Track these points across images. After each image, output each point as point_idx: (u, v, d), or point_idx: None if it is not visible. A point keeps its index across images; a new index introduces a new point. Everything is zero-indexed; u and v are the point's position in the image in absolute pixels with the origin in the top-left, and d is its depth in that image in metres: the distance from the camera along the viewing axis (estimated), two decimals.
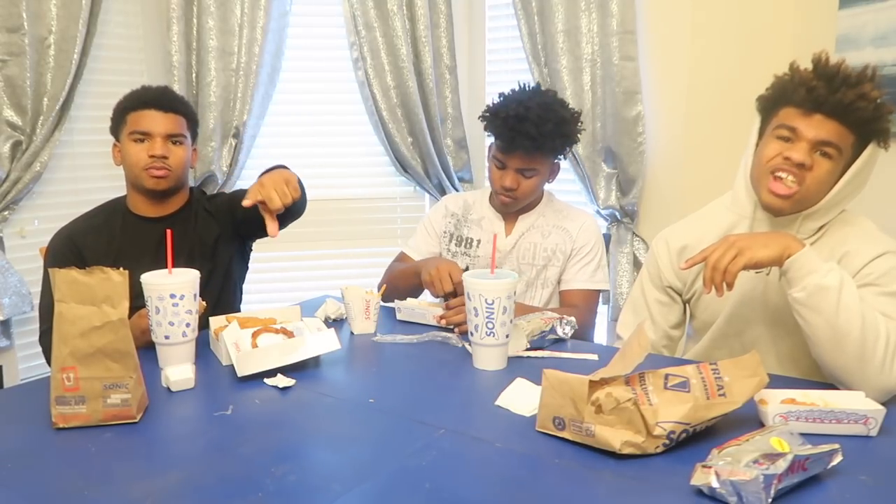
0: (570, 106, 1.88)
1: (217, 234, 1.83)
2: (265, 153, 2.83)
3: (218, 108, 2.64)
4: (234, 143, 2.68)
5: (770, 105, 1.38)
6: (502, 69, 2.84)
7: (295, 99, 2.84)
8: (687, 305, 1.58)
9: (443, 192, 2.87)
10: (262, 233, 1.73)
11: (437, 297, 1.73)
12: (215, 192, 2.67)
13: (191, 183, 2.61)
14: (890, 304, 1.25)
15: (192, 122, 1.81)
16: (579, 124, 1.86)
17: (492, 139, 1.87)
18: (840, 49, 2.13)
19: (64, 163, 2.53)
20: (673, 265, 1.53)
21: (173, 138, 1.73)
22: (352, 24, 2.70)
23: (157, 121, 1.71)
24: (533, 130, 1.73)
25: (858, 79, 1.27)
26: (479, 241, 1.96)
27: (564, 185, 2.72)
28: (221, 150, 2.69)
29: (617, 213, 2.60)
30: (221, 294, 1.82)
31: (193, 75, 2.65)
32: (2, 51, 2.27)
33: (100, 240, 1.73)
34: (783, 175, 1.30)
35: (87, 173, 2.59)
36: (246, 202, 1.47)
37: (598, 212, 2.63)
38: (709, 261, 1.25)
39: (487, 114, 1.83)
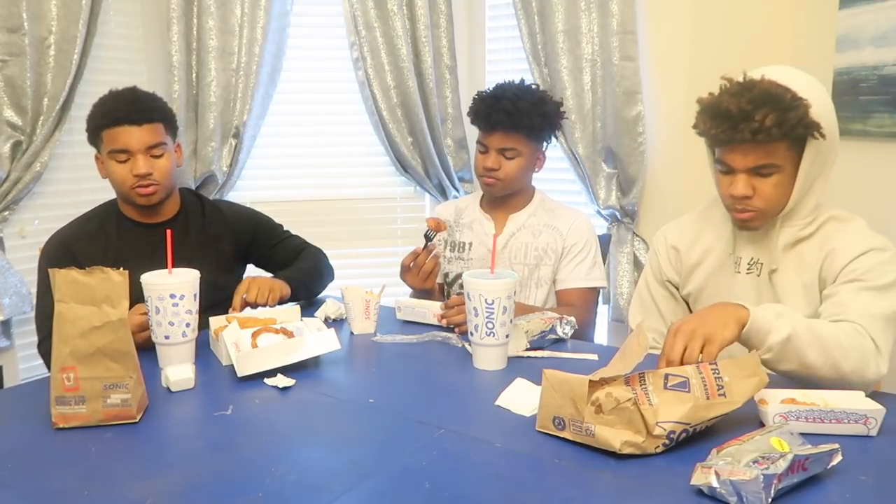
0: (552, 96, 1.94)
1: (226, 244, 1.84)
2: (265, 153, 2.83)
3: (218, 108, 2.64)
4: (234, 143, 2.68)
5: (702, 137, 1.39)
6: (502, 69, 2.84)
7: (295, 99, 2.84)
8: (688, 303, 1.59)
9: (443, 191, 2.87)
10: (265, 266, 1.90)
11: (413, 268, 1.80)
12: (218, 196, 2.67)
13: (191, 184, 2.64)
14: (873, 298, 1.26)
15: (170, 123, 1.75)
16: (562, 110, 1.92)
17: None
18: (840, 49, 2.13)
19: (64, 163, 2.52)
20: (670, 260, 1.57)
21: (153, 150, 1.67)
22: (352, 24, 2.70)
23: (133, 136, 1.64)
24: (509, 106, 1.80)
25: (759, 102, 1.24)
26: (470, 244, 1.98)
27: (564, 185, 2.72)
28: (221, 151, 2.68)
29: (617, 213, 2.60)
30: (219, 300, 1.80)
31: (193, 75, 2.64)
32: (2, 51, 2.26)
33: (95, 246, 1.71)
34: (738, 206, 1.35)
35: (87, 173, 2.56)
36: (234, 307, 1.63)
37: (598, 212, 2.63)
38: (672, 359, 1.14)
39: (471, 105, 1.91)
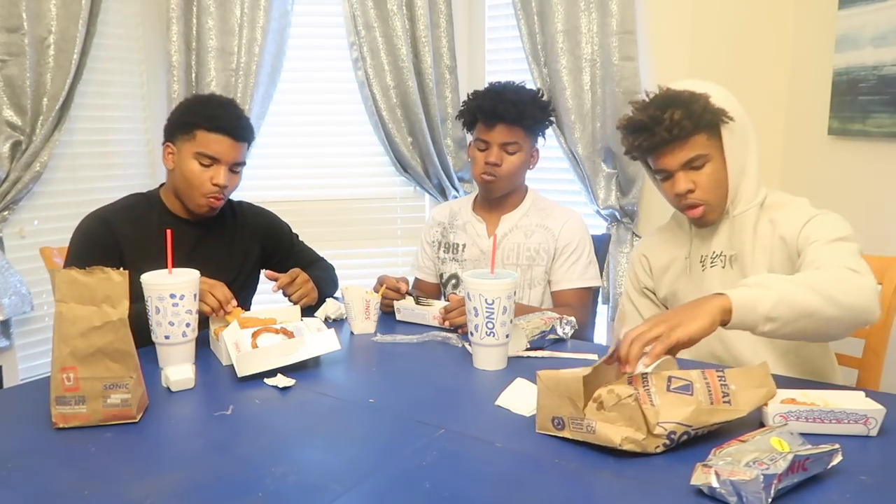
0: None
1: (254, 247, 1.86)
2: (265, 153, 2.83)
3: None
4: None
5: (638, 158, 1.51)
6: (502, 69, 2.84)
7: (295, 99, 2.84)
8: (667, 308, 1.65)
9: (443, 191, 2.87)
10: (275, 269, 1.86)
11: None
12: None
13: None
14: (836, 246, 1.32)
15: (251, 144, 1.80)
16: (551, 108, 1.96)
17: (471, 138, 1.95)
18: (839, 49, 2.13)
19: (64, 163, 2.52)
20: (643, 268, 1.65)
21: (236, 167, 1.71)
22: (352, 24, 2.70)
23: (227, 149, 1.67)
24: (514, 98, 1.85)
25: (664, 105, 1.39)
26: (464, 245, 1.98)
27: (564, 185, 2.72)
28: None
29: (617, 213, 2.60)
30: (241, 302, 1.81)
31: (193, 75, 2.64)
32: (2, 51, 2.26)
33: (136, 234, 1.68)
34: (686, 203, 1.45)
35: (86, 173, 2.59)
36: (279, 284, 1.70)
37: (597, 212, 2.63)
38: (626, 336, 1.12)
39: (463, 107, 1.93)
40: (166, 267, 1.40)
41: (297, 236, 2.02)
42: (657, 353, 1.09)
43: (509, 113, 1.82)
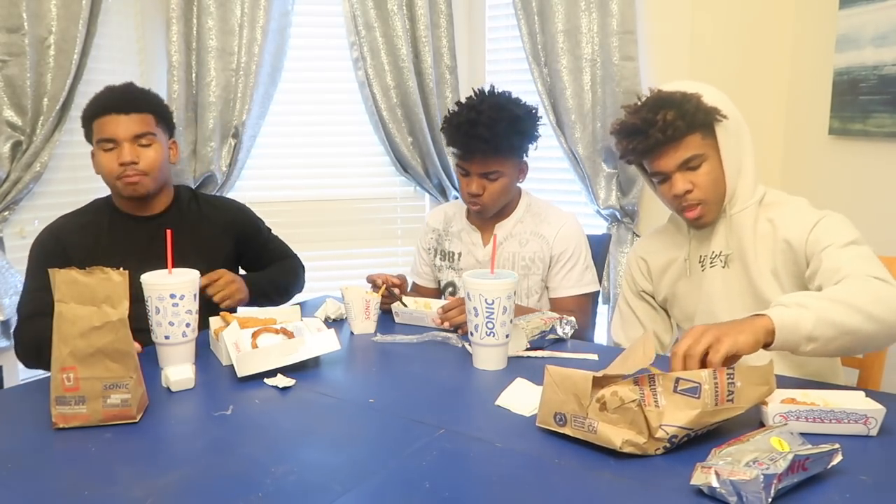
0: (525, 102, 1.84)
1: (225, 241, 1.84)
2: (265, 153, 2.83)
3: (217, 108, 2.64)
4: (233, 143, 2.68)
5: (633, 162, 1.50)
6: (502, 69, 2.84)
7: (295, 99, 2.83)
8: (666, 310, 1.65)
9: (443, 191, 2.87)
10: (251, 268, 1.91)
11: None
12: (218, 193, 2.67)
13: (191, 184, 2.64)
14: (852, 251, 1.30)
15: (163, 117, 1.74)
16: (538, 120, 1.84)
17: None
18: (840, 49, 2.13)
19: (64, 163, 2.52)
20: (641, 271, 1.64)
21: (140, 139, 1.66)
22: (352, 23, 2.70)
23: (120, 125, 1.64)
24: (486, 133, 1.71)
25: (657, 107, 1.38)
26: (459, 254, 1.96)
27: (564, 184, 2.72)
28: (221, 150, 2.68)
29: (617, 213, 2.60)
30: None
31: (193, 75, 2.64)
32: (2, 51, 2.26)
33: (85, 238, 1.70)
34: (685, 205, 1.44)
35: (87, 173, 2.54)
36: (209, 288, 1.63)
37: (598, 212, 2.63)
38: (677, 353, 1.12)
39: (444, 124, 1.84)
40: (123, 267, 1.38)
41: (271, 230, 2.01)
42: (716, 365, 1.08)
43: (483, 150, 1.74)
